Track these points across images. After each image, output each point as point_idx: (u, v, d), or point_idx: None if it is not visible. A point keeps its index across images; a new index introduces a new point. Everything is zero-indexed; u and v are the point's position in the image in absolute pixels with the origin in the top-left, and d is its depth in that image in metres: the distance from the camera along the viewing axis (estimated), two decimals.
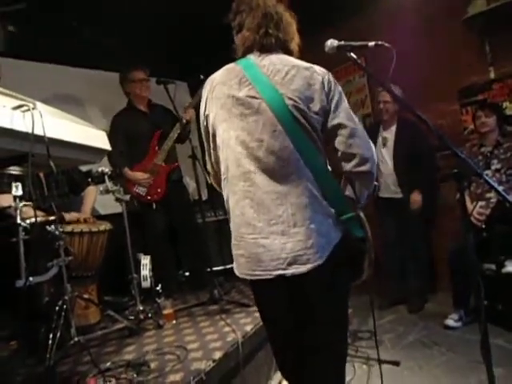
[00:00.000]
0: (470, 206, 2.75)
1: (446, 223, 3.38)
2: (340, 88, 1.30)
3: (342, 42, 1.49)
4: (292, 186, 1.21)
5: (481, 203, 2.73)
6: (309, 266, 1.18)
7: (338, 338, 1.34)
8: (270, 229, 1.21)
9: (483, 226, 2.68)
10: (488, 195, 2.72)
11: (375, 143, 3.31)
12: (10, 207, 2.08)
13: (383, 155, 3.26)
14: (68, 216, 2.62)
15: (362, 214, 1.27)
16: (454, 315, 2.75)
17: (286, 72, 1.25)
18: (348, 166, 1.26)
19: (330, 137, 1.27)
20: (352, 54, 1.47)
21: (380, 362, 1.95)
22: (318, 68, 1.30)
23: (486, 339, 1.36)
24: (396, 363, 2.34)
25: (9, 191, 2.07)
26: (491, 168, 2.74)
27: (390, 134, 3.26)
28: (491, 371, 1.35)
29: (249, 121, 1.25)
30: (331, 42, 1.50)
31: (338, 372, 1.35)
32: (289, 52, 1.37)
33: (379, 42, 1.45)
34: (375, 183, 1.30)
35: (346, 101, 1.29)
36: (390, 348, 2.59)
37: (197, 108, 3.05)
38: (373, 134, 3.38)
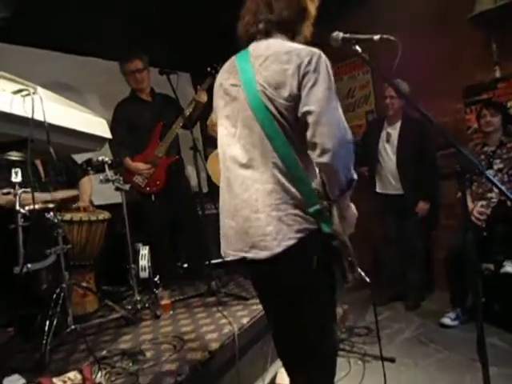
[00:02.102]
0: (470, 205, 2.74)
1: (445, 222, 3.37)
2: (324, 70, 1.17)
3: (347, 35, 1.47)
4: (258, 172, 1.22)
5: (482, 203, 2.73)
6: (266, 253, 1.18)
7: (312, 337, 1.28)
8: (237, 213, 1.25)
9: (483, 226, 2.67)
10: (489, 195, 2.71)
11: (378, 138, 3.30)
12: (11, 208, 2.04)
13: (386, 150, 3.25)
14: (67, 193, 2.60)
15: (333, 209, 1.20)
16: (451, 314, 2.75)
17: (264, 58, 1.23)
18: (312, 156, 1.17)
19: (302, 125, 1.18)
20: (357, 47, 1.46)
21: (382, 359, 1.93)
22: (304, 51, 1.19)
23: (482, 338, 1.36)
24: (392, 360, 2.34)
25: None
26: (493, 168, 2.73)
27: (394, 129, 3.24)
28: (487, 369, 1.35)
29: (230, 108, 1.30)
30: (336, 34, 1.49)
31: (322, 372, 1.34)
32: (291, 34, 1.32)
33: (384, 36, 1.43)
34: (345, 177, 1.17)
35: (324, 84, 1.16)
36: (386, 344, 2.59)
37: (209, 90, 3.07)
38: (376, 128, 3.37)
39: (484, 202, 2.72)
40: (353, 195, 1.41)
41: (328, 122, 1.14)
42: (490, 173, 2.69)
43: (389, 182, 3.26)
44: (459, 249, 2.61)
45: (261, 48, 1.28)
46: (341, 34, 1.48)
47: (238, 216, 1.25)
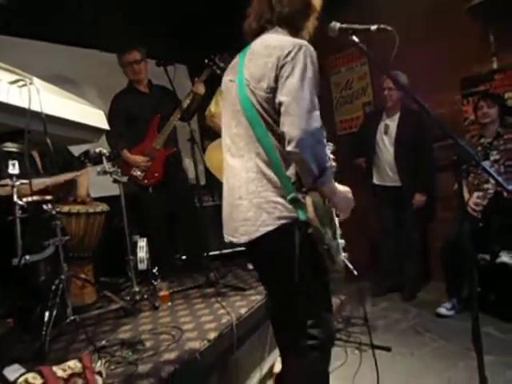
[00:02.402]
0: (467, 196, 2.76)
1: (441, 213, 3.39)
2: (301, 61, 1.19)
3: (345, 25, 1.47)
4: (243, 161, 1.30)
5: (478, 193, 2.74)
6: (245, 238, 1.27)
7: (300, 321, 1.33)
8: (226, 199, 1.39)
9: (479, 217, 2.69)
10: (485, 186, 2.73)
11: (376, 130, 3.30)
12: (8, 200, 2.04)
13: (384, 142, 3.25)
14: (68, 175, 2.59)
15: (307, 198, 1.21)
16: (447, 304, 2.78)
17: (254, 53, 1.31)
18: (284, 145, 1.20)
19: (279, 115, 1.22)
20: (354, 38, 1.46)
21: (373, 347, 1.98)
22: (288, 43, 1.23)
23: (477, 327, 1.38)
24: (388, 349, 2.37)
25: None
26: (490, 159, 2.74)
27: (392, 121, 3.25)
28: (481, 358, 1.37)
29: (227, 102, 1.41)
30: (334, 25, 1.49)
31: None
32: (295, 29, 1.36)
33: (382, 26, 1.43)
34: (316, 166, 1.17)
35: (298, 75, 1.18)
36: (382, 334, 2.62)
37: (206, 83, 3.05)
38: (374, 120, 3.37)
39: (480, 193, 2.73)
40: (351, 187, 1.43)
41: (294, 112, 1.17)
42: (486, 164, 2.70)
43: (386, 173, 3.27)
44: (455, 239, 2.63)
45: (257, 44, 1.33)
46: (338, 24, 1.47)
47: (226, 202, 1.38)
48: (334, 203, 1.30)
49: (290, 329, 1.38)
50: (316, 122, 1.18)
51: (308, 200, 1.20)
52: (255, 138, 1.27)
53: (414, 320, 2.80)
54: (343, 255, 1.41)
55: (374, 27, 1.43)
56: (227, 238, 1.39)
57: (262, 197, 1.25)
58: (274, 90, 1.22)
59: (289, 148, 1.17)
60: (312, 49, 1.25)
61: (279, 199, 1.24)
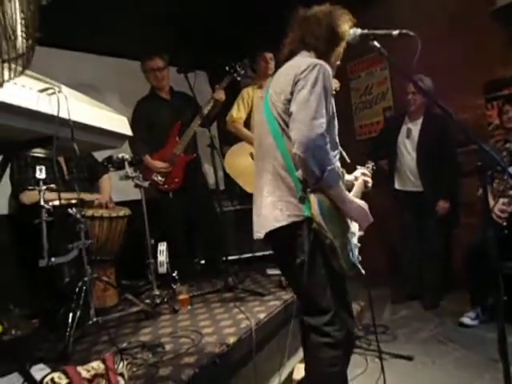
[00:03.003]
0: (492, 202, 2.69)
1: (464, 219, 3.31)
2: (313, 76, 1.35)
3: (366, 31, 1.48)
4: (265, 164, 1.48)
5: (503, 200, 2.67)
6: (263, 232, 1.45)
7: (314, 314, 1.44)
8: (254, 199, 1.57)
9: (504, 224, 2.62)
10: (511, 192, 2.65)
11: (398, 134, 3.26)
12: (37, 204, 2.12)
13: (406, 146, 3.21)
14: (90, 196, 2.68)
15: (312, 196, 1.33)
16: (471, 313, 2.71)
17: (280, 73, 1.52)
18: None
19: None
20: (375, 43, 1.46)
21: (380, 352, 1.95)
22: (305, 62, 1.41)
23: (503, 337, 1.34)
24: (409, 358, 2.33)
25: (31, 187, 2.15)
26: None
27: (415, 125, 3.20)
28: (508, 369, 1.33)
29: (256, 115, 1.69)
30: (354, 31, 1.49)
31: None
32: (313, 50, 1.51)
33: (403, 31, 1.43)
34: (318, 168, 1.29)
35: (308, 88, 1.34)
36: (403, 343, 2.57)
37: (227, 89, 3.09)
38: (396, 124, 3.33)
39: (505, 200, 2.66)
40: (371, 192, 1.44)
41: (300, 119, 1.34)
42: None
43: (408, 178, 3.23)
44: (480, 247, 2.56)
45: (284, 66, 1.53)
46: (358, 30, 1.48)
47: (253, 202, 1.56)
48: (343, 211, 1.40)
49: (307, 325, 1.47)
50: (318, 128, 1.31)
51: (312, 198, 1.33)
52: (275, 145, 1.44)
53: (436, 329, 2.74)
54: (356, 256, 1.45)
55: (395, 32, 1.43)
56: (254, 234, 1.53)
57: (276, 196, 1.42)
58: (289, 102, 1.40)
59: (294, 150, 1.32)
60: (327, 67, 1.40)
61: (292, 199, 1.39)
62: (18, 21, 0.91)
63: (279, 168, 1.42)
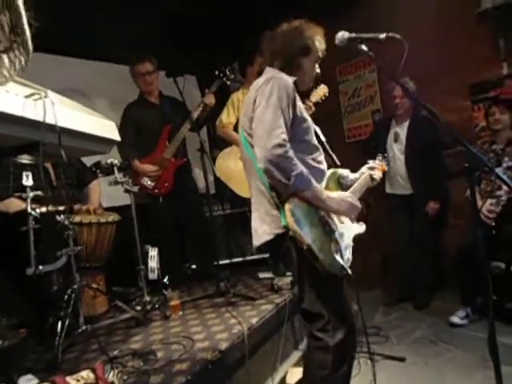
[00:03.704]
0: (480, 203, 2.72)
1: (453, 220, 3.35)
2: (268, 90, 1.41)
3: (353, 34, 1.49)
4: (250, 180, 1.56)
5: (491, 201, 2.71)
6: (255, 244, 1.51)
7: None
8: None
9: (493, 224, 2.66)
10: (498, 193, 2.69)
11: (386, 138, 3.29)
12: (22, 212, 2.08)
13: (394, 150, 3.24)
14: (76, 206, 2.65)
15: (286, 205, 1.35)
16: (461, 312, 2.74)
17: (248, 95, 1.56)
18: None
19: None
20: (363, 47, 1.47)
21: (370, 354, 1.98)
22: (262, 80, 1.48)
23: (493, 336, 1.35)
24: (401, 359, 2.34)
25: (16, 193, 2.11)
26: (502, 165, 2.70)
27: (402, 129, 3.24)
28: (498, 368, 1.35)
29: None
30: (342, 35, 1.50)
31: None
32: (276, 66, 1.58)
33: (390, 34, 1.44)
34: (284, 176, 1.33)
35: (263, 103, 1.40)
36: (395, 344, 2.58)
37: (216, 93, 3.07)
38: (384, 128, 3.36)
39: (493, 200, 2.70)
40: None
41: (258, 135, 1.40)
42: (499, 170, 2.67)
43: (397, 182, 3.25)
44: (469, 247, 2.60)
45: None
46: (346, 34, 1.49)
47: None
48: (324, 209, 1.42)
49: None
50: (275, 138, 1.34)
51: (286, 206, 1.34)
52: (251, 162, 1.48)
53: (428, 329, 2.76)
54: (346, 257, 1.44)
55: (382, 36, 1.45)
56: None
57: (262, 211, 1.47)
58: (252, 120, 1.45)
59: (259, 165, 1.37)
60: (284, 78, 1.47)
61: (275, 212, 1.42)
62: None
63: (259, 183, 1.48)
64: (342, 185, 1.68)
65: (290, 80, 1.48)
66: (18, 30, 0.85)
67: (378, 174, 1.80)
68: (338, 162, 1.78)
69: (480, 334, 2.48)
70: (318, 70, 1.67)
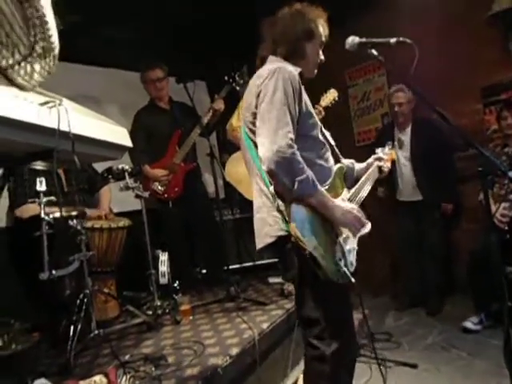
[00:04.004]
0: (493, 207, 2.68)
1: (466, 225, 3.31)
2: (273, 84, 1.31)
3: (364, 39, 1.48)
4: (252, 180, 1.47)
5: (504, 204, 2.66)
6: (258, 248, 1.42)
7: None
8: None
9: (506, 228, 2.61)
10: (511, 196, 2.65)
11: (392, 144, 3.27)
12: (36, 217, 2.12)
13: (399, 158, 3.22)
14: (89, 211, 2.68)
15: (289, 208, 1.28)
16: (474, 318, 2.69)
17: (249, 85, 1.46)
18: None
19: None
20: (373, 51, 1.46)
21: (377, 359, 1.94)
22: (266, 71, 1.37)
23: (509, 343, 1.33)
24: (413, 366, 2.31)
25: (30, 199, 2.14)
26: None
27: (405, 135, 3.22)
28: None
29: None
30: (352, 39, 1.50)
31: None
32: (279, 54, 1.49)
33: (401, 39, 1.44)
34: (289, 180, 1.25)
35: (268, 98, 1.31)
36: (407, 350, 2.55)
37: (226, 98, 3.08)
38: (387, 135, 3.34)
39: (507, 204, 2.66)
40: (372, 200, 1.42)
41: (263, 134, 1.30)
42: None
43: (405, 189, 3.23)
44: (482, 252, 2.56)
45: (253, 77, 1.47)
46: (357, 39, 1.49)
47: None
48: (328, 217, 1.33)
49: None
50: (282, 139, 1.26)
51: (288, 211, 1.28)
52: (253, 161, 1.41)
53: (440, 336, 2.72)
54: (349, 262, 1.37)
55: (393, 40, 1.44)
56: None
57: (264, 211, 1.39)
58: (256, 116, 1.36)
59: (263, 167, 1.29)
60: (288, 70, 1.36)
61: (278, 214, 1.33)
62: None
63: (261, 184, 1.39)
64: (347, 180, 1.58)
65: (295, 72, 1.38)
66: (40, 35, 0.86)
67: (386, 165, 1.73)
68: None
69: (494, 340, 2.44)
70: (322, 57, 1.58)
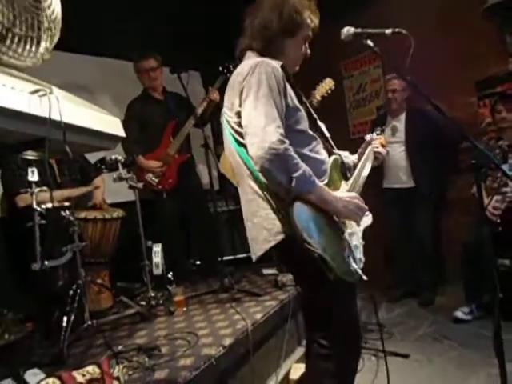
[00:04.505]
0: (485, 200, 2.70)
1: (458, 217, 3.33)
2: (256, 80, 1.25)
3: (359, 30, 1.47)
4: (242, 184, 1.37)
5: (497, 197, 2.69)
6: (254, 257, 1.34)
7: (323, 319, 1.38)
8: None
9: (498, 221, 2.64)
10: (504, 189, 2.67)
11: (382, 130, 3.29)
12: (28, 207, 2.10)
13: (391, 145, 3.21)
14: (83, 189, 2.65)
15: (290, 209, 1.20)
16: (465, 308, 2.73)
17: (229, 84, 1.39)
18: None
19: None
20: (369, 42, 1.45)
21: (385, 353, 1.96)
22: (247, 66, 1.30)
23: (499, 334, 1.35)
24: (405, 356, 2.34)
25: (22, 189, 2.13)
26: (509, 162, 2.68)
27: (399, 122, 3.23)
28: (503, 366, 1.34)
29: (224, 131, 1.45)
30: (347, 30, 1.49)
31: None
32: (254, 49, 1.41)
33: (396, 30, 1.43)
34: (285, 177, 1.19)
35: (252, 95, 1.24)
36: (399, 341, 2.58)
37: (220, 89, 3.05)
38: (381, 123, 3.34)
39: (499, 197, 2.68)
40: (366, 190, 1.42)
41: (251, 132, 1.24)
42: (505, 167, 2.64)
43: (396, 175, 3.24)
44: (474, 244, 2.58)
45: (232, 75, 1.40)
46: (352, 29, 1.48)
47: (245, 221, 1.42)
48: (329, 211, 1.28)
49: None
50: (273, 135, 1.19)
51: (290, 212, 1.20)
52: (242, 164, 1.33)
53: (432, 326, 2.75)
54: (358, 259, 1.34)
55: (388, 31, 1.43)
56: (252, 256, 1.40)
57: (260, 216, 1.29)
58: (240, 115, 1.29)
59: (256, 167, 1.23)
60: (271, 63, 1.29)
61: (276, 215, 1.26)
62: None
63: (255, 186, 1.30)
64: (344, 172, 1.53)
65: (277, 65, 1.30)
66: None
67: (381, 150, 1.68)
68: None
69: (485, 331, 2.47)
70: (307, 51, 1.49)
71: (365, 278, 1.29)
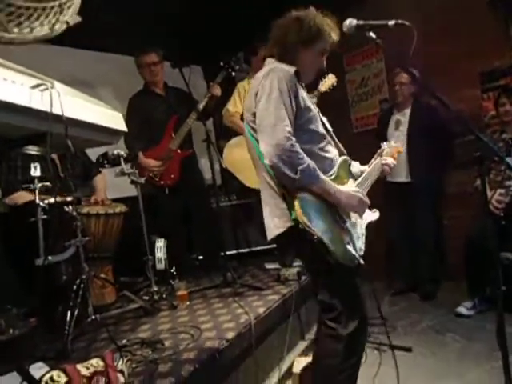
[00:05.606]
0: (489, 193, 2.69)
1: (460, 211, 3.32)
2: (268, 84, 1.40)
3: (361, 22, 1.46)
4: (259, 176, 1.54)
5: (500, 191, 2.67)
6: (268, 239, 1.49)
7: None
8: None
9: (502, 214, 2.63)
10: (508, 183, 2.66)
11: (387, 126, 3.27)
12: (29, 203, 2.10)
13: (395, 138, 3.20)
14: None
15: (295, 197, 1.34)
16: (468, 303, 2.73)
17: (250, 88, 1.56)
18: None
19: None
20: (371, 34, 1.44)
21: (392, 347, 1.96)
22: (262, 74, 1.47)
23: (502, 326, 1.35)
24: (408, 349, 2.34)
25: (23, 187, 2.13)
26: None
27: (403, 116, 3.22)
28: (507, 358, 1.34)
29: None
30: (350, 22, 1.48)
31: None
32: (275, 56, 1.55)
33: (399, 21, 1.41)
34: (291, 171, 1.32)
35: (264, 96, 1.40)
36: (402, 334, 2.59)
37: (222, 84, 3.04)
38: (386, 118, 3.34)
39: (502, 191, 2.66)
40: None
41: (262, 130, 1.40)
42: (509, 160, 2.63)
43: (398, 170, 3.23)
44: (477, 237, 2.57)
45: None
46: (354, 21, 1.47)
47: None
48: (334, 203, 1.41)
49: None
50: (280, 133, 1.34)
51: (295, 200, 1.34)
52: (258, 157, 1.48)
53: (434, 320, 2.75)
54: (358, 247, 1.46)
55: (391, 23, 1.42)
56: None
57: (272, 204, 1.46)
58: (255, 115, 1.45)
59: (266, 161, 1.37)
60: (283, 69, 1.44)
61: (285, 205, 1.40)
62: None
63: (268, 178, 1.46)
64: (352, 173, 1.65)
65: (290, 70, 1.46)
66: None
67: (389, 162, 1.76)
68: (345, 153, 1.76)
69: (487, 324, 2.47)
70: (323, 64, 1.62)
71: (362, 262, 1.43)
